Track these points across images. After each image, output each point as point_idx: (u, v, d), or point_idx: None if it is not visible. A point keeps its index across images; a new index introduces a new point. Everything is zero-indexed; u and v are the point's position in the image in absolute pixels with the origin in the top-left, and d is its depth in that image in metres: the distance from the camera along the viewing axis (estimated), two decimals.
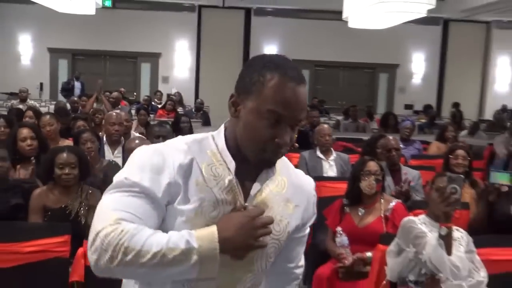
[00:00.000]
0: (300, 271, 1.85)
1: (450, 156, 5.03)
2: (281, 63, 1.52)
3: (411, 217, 3.36)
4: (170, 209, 1.52)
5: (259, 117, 1.49)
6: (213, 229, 1.45)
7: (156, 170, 1.50)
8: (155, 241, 1.41)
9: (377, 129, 10.51)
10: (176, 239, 1.43)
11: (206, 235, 1.44)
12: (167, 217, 1.53)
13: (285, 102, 1.48)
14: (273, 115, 1.48)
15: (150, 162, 1.51)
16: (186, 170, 1.53)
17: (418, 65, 18.25)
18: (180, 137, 1.64)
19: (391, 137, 5.60)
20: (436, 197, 3.17)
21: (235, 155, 1.58)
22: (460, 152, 5.01)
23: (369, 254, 3.78)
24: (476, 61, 18.21)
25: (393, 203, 4.09)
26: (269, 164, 1.59)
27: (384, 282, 3.33)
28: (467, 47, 17.94)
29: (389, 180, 4.88)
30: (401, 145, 6.14)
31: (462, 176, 3.30)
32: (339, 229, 4.02)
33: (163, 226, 1.51)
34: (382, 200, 4.09)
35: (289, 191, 1.68)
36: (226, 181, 1.56)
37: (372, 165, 4.10)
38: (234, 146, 1.59)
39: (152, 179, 1.49)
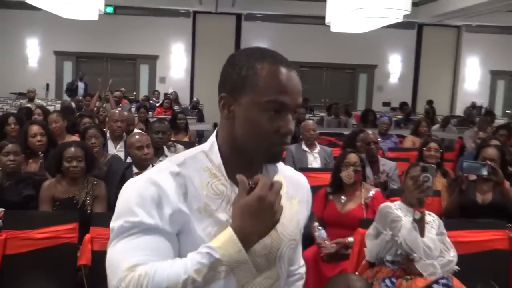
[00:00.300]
0: (303, 270, 1.68)
1: (424, 148, 5.09)
2: (265, 52, 1.35)
3: (388, 203, 3.41)
4: (187, 239, 1.30)
5: (258, 110, 1.29)
6: (229, 232, 1.24)
7: (155, 202, 1.27)
8: (178, 270, 1.20)
9: (356, 125, 10.58)
10: (198, 258, 1.21)
11: (225, 241, 1.22)
12: (186, 246, 1.29)
13: (282, 89, 1.29)
14: (273, 105, 1.29)
15: (146, 195, 1.27)
16: (186, 195, 1.30)
17: (394, 66, 18.31)
18: (169, 159, 1.40)
19: (370, 132, 5.65)
20: (410, 184, 3.23)
21: (233, 163, 1.36)
22: (433, 145, 5.07)
23: (350, 239, 3.82)
24: (448, 62, 18.29)
25: (373, 191, 4.14)
26: (278, 158, 1.37)
27: (364, 262, 3.38)
28: (439, 49, 18.02)
29: (368, 171, 4.93)
30: (379, 139, 6.20)
31: (434, 166, 3.36)
32: (316, 224, 4.05)
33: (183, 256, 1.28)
34: (362, 189, 4.13)
35: (289, 188, 1.48)
36: (232, 197, 1.34)
37: (352, 157, 4.14)
38: (230, 153, 1.37)
39: (153, 214, 1.26)
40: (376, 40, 16.22)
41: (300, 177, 1.57)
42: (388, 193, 4.43)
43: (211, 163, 1.37)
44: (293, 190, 1.50)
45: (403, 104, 15.91)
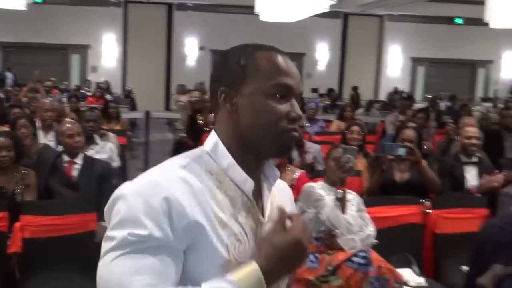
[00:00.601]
0: None
1: (347, 131, 5.25)
2: (259, 44, 1.27)
3: (311, 183, 3.52)
4: (200, 252, 1.11)
5: (264, 97, 1.19)
6: (255, 269, 1.09)
7: (165, 213, 1.07)
8: None
9: None
10: None
11: (249, 279, 1.08)
12: (198, 260, 1.11)
13: (285, 72, 1.21)
14: (278, 89, 1.19)
15: (156, 205, 1.08)
16: (200, 203, 1.12)
17: (322, 54, 18.62)
18: (171, 161, 1.21)
19: None
20: (332, 165, 3.35)
21: (239, 162, 1.21)
22: (355, 128, 5.23)
23: None
24: (372, 49, 18.78)
25: (298, 173, 4.24)
26: (289, 148, 1.25)
27: None
28: (364, 37, 18.46)
29: (294, 154, 5.04)
30: (306, 124, 6.34)
31: (355, 147, 3.49)
32: None
33: (189, 275, 1.11)
34: (288, 171, 4.24)
35: (281, 196, 1.36)
36: (245, 202, 1.20)
37: None
38: (236, 151, 1.21)
39: (164, 226, 1.07)
40: (304, 29, 16.42)
41: (282, 182, 1.42)
42: (313, 175, 4.55)
43: (217, 165, 1.20)
44: (283, 196, 1.37)
45: (330, 91, 16.31)
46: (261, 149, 1.21)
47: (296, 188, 4.08)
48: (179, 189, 1.10)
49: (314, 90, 17.42)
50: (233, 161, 1.20)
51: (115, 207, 1.12)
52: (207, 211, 1.12)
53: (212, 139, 1.23)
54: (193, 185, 1.13)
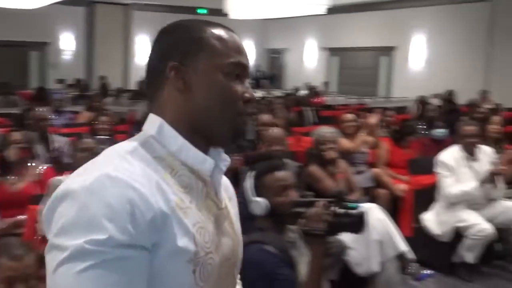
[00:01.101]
0: None
1: (96, 122, 5.22)
2: (207, 20, 1.16)
3: (58, 177, 3.46)
4: (164, 248, 0.97)
5: (222, 75, 1.09)
6: None
7: (128, 211, 0.91)
8: None
9: (28, 103, 10.24)
10: None
11: None
12: (162, 259, 0.97)
13: (240, 51, 1.12)
14: (235, 68, 1.10)
15: (113, 202, 0.91)
16: (162, 191, 0.99)
17: (68, 43, 18.02)
18: (114, 148, 1.06)
19: (40, 109, 5.53)
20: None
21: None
22: (103, 118, 5.24)
23: (22, 217, 3.72)
24: (120, 38, 18.66)
25: (42, 167, 4.12)
26: (243, 132, 1.15)
27: (38, 237, 3.35)
28: (111, 26, 18.24)
29: (40, 148, 4.85)
30: (53, 116, 6.12)
31: (106, 137, 3.50)
32: None
33: (157, 275, 0.97)
34: (32, 166, 4.07)
35: (227, 189, 1.26)
36: (200, 188, 1.09)
37: (14, 135, 4.09)
38: (186, 134, 1.09)
39: (126, 226, 0.91)
40: (48, 16, 15.78)
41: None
42: (60, 168, 4.43)
43: (165, 149, 1.07)
44: (227, 189, 1.26)
45: (78, 81, 15.90)
46: (213, 132, 1.11)
47: (42, 182, 3.95)
48: (137, 179, 0.95)
49: (60, 81, 16.71)
50: (186, 142, 1.07)
51: (59, 207, 0.93)
52: (168, 199, 0.99)
53: (155, 122, 1.09)
54: (148, 173, 0.99)
